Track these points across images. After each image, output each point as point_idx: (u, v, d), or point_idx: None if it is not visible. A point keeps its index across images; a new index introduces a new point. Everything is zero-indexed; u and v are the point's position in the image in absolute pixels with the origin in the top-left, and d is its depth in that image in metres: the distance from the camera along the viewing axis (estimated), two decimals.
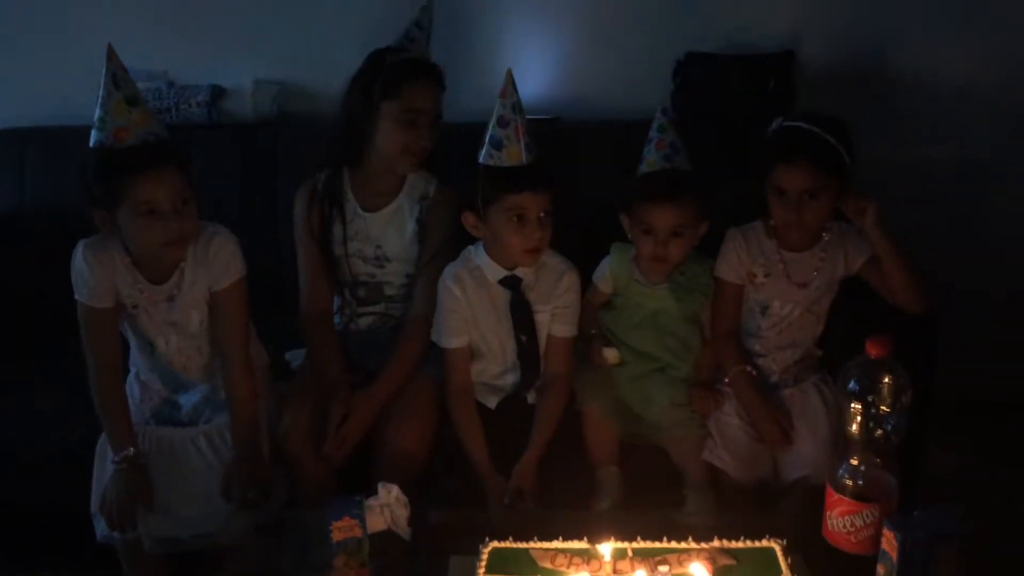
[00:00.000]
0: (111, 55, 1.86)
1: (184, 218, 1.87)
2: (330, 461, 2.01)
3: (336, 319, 2.28)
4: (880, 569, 1.48)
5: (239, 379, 2.00)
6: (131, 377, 2.11)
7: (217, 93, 2.69)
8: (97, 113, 1.85)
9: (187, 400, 2.08)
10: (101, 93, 1.85)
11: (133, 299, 1.97)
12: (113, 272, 1.94)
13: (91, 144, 1.86)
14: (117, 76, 1.85)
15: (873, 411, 1.53)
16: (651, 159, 2.07)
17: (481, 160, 2.01)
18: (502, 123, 1.99)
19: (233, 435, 1.97)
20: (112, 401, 1.96)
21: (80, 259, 1.93)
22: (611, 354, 2.14)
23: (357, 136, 2.13)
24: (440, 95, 2.14)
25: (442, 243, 2.17)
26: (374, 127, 2.10)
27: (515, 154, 1.98)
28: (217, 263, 1.98)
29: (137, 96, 1.86)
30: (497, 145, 1.99)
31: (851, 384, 1.54)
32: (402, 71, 2.09)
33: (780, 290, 2.08)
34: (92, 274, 1.92)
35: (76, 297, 1.94)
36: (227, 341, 2.02)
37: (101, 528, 1.94)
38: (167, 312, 1.99)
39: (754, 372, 2.07)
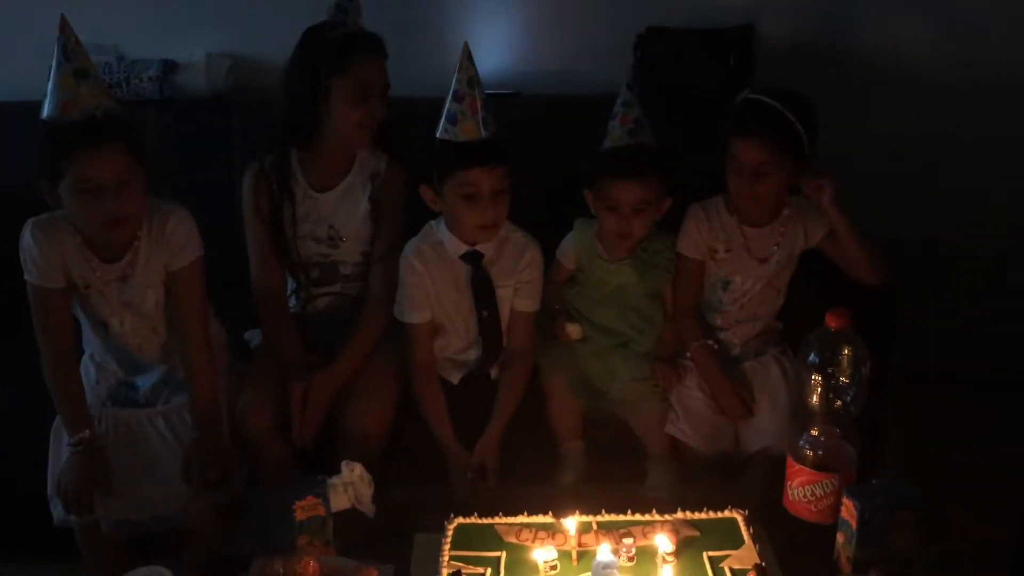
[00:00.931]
0: (64, 26, 1.81)
1: (127, 199, 1.81)
2: (299, 444, 1.99)
3: (292, 301, 2.25)
4: (840, 537, 1.50)
5: (198, 360, 1.96)
6: (85, 358, 2.06)
7: (169, 67, 2.62)
8: (48, 85, 1.80)
9: (144, 381, 2.04)
10: (52, 64, 1.80)
11: (85, 279, 1.92)
12: (63, 251, 1.88)
13: (42, 115, 1.81)
14: (68, 48, 1.80)
15: (833, 382, 1.55)
16: (615, 134, 2.06)
17: (438, 135, 1.99)
18: (457, 97, 1.96)
19: (193, 416, 1.94)
20: (66, 383, 1.91)
21: (29, 238, 1.88)
22: (574, 330, 2.14)
23: (306, 118, 2.07)
24: (385, 64, 2.10)
25: (397, 223, 2.15)
26: (326, 107, 2.05)
27: (469, 129, 1.96)
28: (173, 242, 1.93)
29: (88, 70, 1.81)
30: (452, 120, 1.97)
31: (811, 356, 1.56)
32: (348, 46, 2.04)
33: (741, 265, 2.10)
34: (41, 253, 1.87)
35: (25, 277, 1.89)
36: (185, 321, 1.98)
37: (58, 512, 1.91)
38: (121, 292, 1.94)
39: (715, 346, 2.09)
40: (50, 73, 1.80)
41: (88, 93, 1.80)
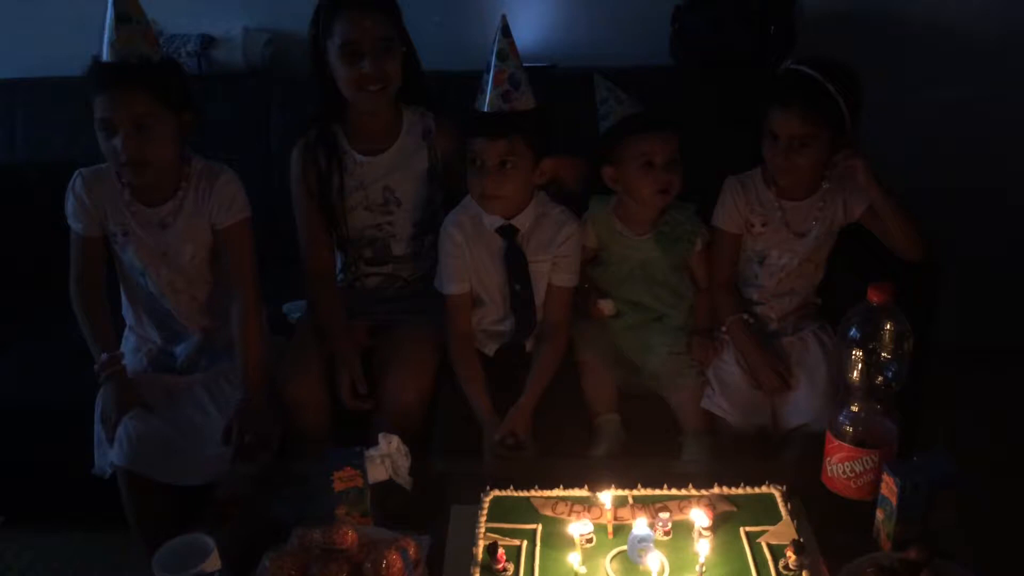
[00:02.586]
0: None
1: (144, 143, 1.84)
2: (352, 408, 2.00)
3: (341, 276, 2.26)
4: (879, 514, 1.49)
5: (249, 322, 2.00)
6: (126, 331, 2.11)
7: (207, 42, 2.64)
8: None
9: (182, 351, 2.07)
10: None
11: (124, 225, 1.97)
12: (105, 200, 1.95)
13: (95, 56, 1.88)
14: None
15: (874, 358, 1.52)
16: (618, 110, 2.06)
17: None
18: (488, 68, 1.97)
19: (243, 376, 1.97)
20: (91, 309, 1.99)
21: (75, 187, 1.96)
22: (607, 305, 2.14)
23: (327, 84, 2.07)
24: (384, 19, 2.01)
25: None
26: (331, 71, 2.05)
27: (490, 100, 1.97)
28: (220, 199, 1.97)
29: (131, 16, 1.84)
30: (482, 90, 1.98)
31: (852, 331, 1.53)
32: (331, 6, 2.03)
33: (778, 240, 2.07)
34: (85, 201, 1.95)
35: (69, 223, 1.98)
36: (237, 280, 2.01)
37: (115, 455, 1.93)
38: (159, 239, 1.98)
39: (751, 320, 2.07)
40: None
41: (126, 37, 1.83)
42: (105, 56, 1.85)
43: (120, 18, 1.83)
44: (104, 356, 1.93)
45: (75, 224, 1.98)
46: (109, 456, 1.93)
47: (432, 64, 2.15)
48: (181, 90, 1.93)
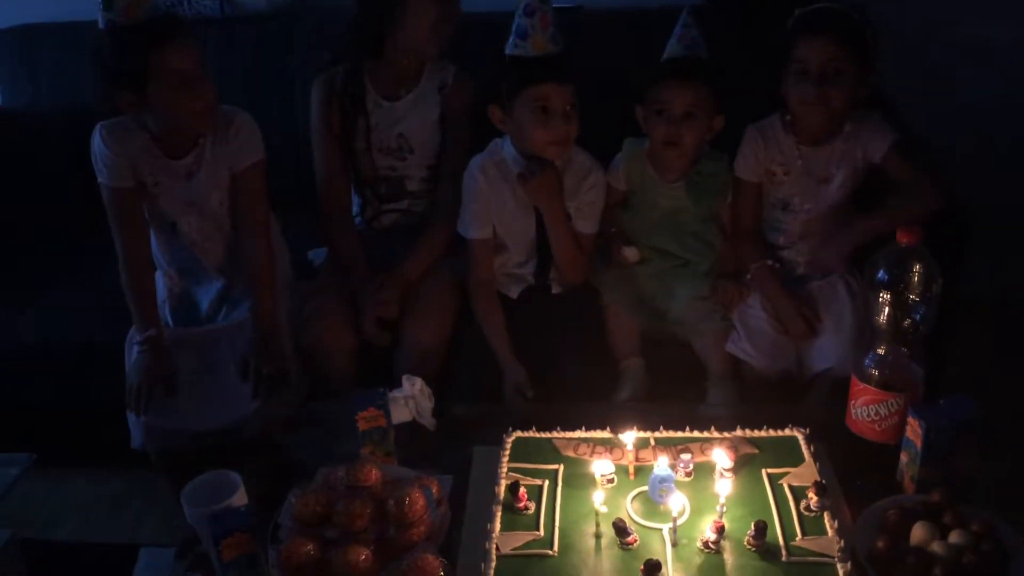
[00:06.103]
0: None
1: (210, 85, 1.87)
2: (372, 337, 2.02)
3: (358, 219, 2.26)
4: (904, 457, 1.48)
5: (260, 265, 2.00)
6: (156, 272, 2.12)
7: None
8: None
9: (204, 296, 2.08)
10: None
11: (154, 176, 1.96)
12: (131, 151, 1.93)
13: (101, 27, 1.82)
14: None
15: (902, 300, 1.50)
16: (672, 49, 2.02)
17: (508, 51, 1.97)
18: (528, 12, 1.94)
19: (254, 314, 1.98)
20: (138, 281, 1.98)
21: (99, 140, 1.93)
22: (631, 253, 2.12)
23: (379, 27, 2.07)
24: None
25: (465, 137, 2.15)
26: (403, 15, 2.03)
27: (540, 44, 1.93)
28: (238, 142, 1.97)
29: None
30: (522, 35, 1.94)
31: (881, 273, 1.51)
32: None
33: (801, 187, 2.04)
34: (111, 153, 1.92)
35: (99, 180, 1.95)
36: (250, 221, 2.02)
37: (136, 433, 1.98)
38: (187, 189, 1.98)
39: (777, 265, 2.05)
40: None
41: None
42: (129, 17, 1.79)
43: None
44: (152, 331, 1.94)
45: (106, 178, 1.93)
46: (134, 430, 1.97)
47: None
48: None
